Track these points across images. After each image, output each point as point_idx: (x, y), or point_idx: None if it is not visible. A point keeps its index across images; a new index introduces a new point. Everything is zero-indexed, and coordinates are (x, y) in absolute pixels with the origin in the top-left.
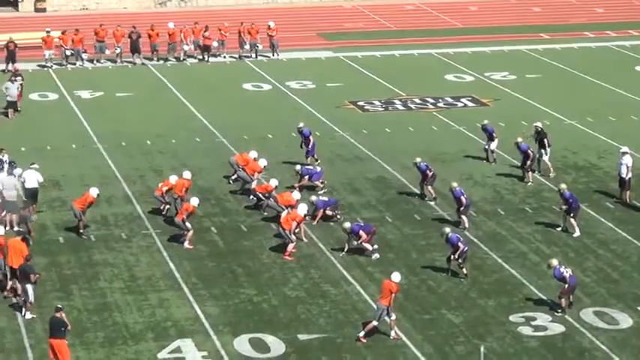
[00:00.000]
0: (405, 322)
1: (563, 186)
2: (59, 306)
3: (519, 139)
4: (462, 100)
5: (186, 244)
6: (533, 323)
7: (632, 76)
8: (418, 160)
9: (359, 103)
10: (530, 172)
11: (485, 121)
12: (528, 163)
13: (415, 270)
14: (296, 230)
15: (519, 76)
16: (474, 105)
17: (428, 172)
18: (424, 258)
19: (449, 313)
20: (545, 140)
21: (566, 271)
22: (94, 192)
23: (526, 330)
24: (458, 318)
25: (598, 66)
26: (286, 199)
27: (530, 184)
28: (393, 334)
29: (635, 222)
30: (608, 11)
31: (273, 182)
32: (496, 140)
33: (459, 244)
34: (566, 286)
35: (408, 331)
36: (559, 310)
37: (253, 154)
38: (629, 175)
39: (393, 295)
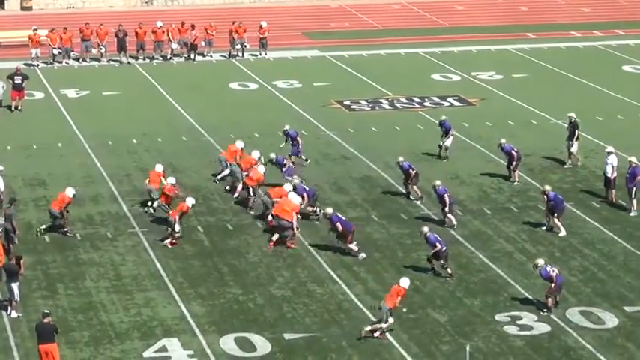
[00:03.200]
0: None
1: (547, 187)
2: (46, 311)
3: (502, 141)
4: (448, 99)
5: (166, 242)
6: (518, 322)
7: (619, 75)
8: (401, 159)
9: (345, 103)
10: (516, 172)
11: (444, 117)
12: (514, 163)
13: (400, 269)
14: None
15: (506, 75)
16: (460, 104)
17: (411, 171)
18: (410, 257)
19: (434, 312)
20: (577, 132)
21: (553, 270)
22: (69, 192)
23: (512, 329)
24: (444, 317)
25: (585, 65)
26: (277, 191)
27: (516, 183)
28: (378, 333)
29: (620, 221)
30: (594, 11)
31: (255, 154)
32: (451, 138)
33: (437, 244)
34: (553, 285)
35: (394, 330)
36: (544, 310)
37: (240, 144)
38: (615, 174)
39: (399, 298)
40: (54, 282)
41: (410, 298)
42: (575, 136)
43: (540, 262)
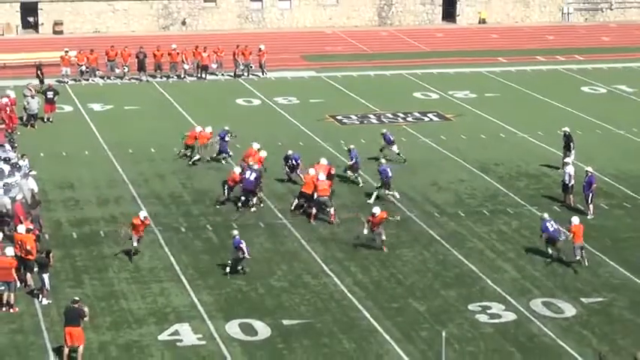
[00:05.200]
0: (376, 310)
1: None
2: (76, 298)
3: (383, 161)
4: (428, 115)
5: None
6: (488, 312)
7: (578, 95)
8: (383, 161)
9: (338, 117)
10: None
11: (384, 130)
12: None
13: (386, 264)
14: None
15: (479, 94)
16: (439, 120)
17: (384, 178)
18: (394, 254)
19: (415, 302)
20: (571, 144)
21: (552, 226)
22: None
23: (482, 318)
24: (422, 307)
25: (548, 86)
26: (310, 177)
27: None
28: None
29: None
30: (557, 39)
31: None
32: (395, 145)
33: (549, 231)
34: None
35: (378, 318)
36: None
37: (256, 145)
38: (572, 182)
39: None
40: (80, 273)
41: (393, 290)
42: (571, 147)
43: (545, 216)
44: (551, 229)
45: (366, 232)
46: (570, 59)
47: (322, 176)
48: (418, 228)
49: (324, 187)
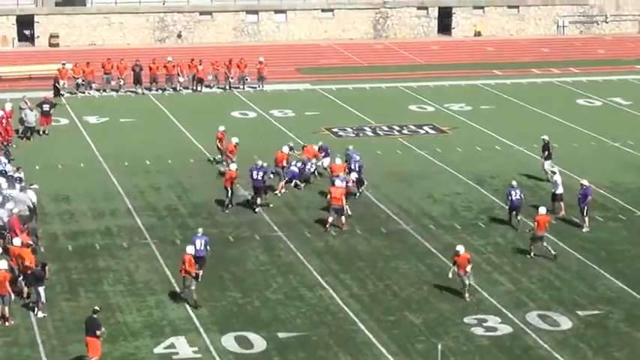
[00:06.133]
0: (371, 322)
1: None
2: (96, 308)
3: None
4: (423, 127)
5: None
6: (484, 324)
7: (574, 108)
8: (350, 147)
9: (333, 130)
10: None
11: (350, 147)
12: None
13: (381, 277)
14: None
15: (474, 107)
16: (434, 132)
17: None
18: (389, 266)
19: (410, 315)
20: (547, 152)
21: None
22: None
23: (478, 330)
24: (418, 319)
25: (543, 99)
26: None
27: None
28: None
29: (574, 236)
30: (552, 51)
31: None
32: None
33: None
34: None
35: (374, 330)
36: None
37: (285, 149)
38: (560, 190)
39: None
40: (75, 286)
41: (389, 303)
42: (548, 154)
43: (513, 183)
44: (514, 197)
45: (450, 275)
46: (565, 72)
47: (338, 182)
48: (414, 240)
49: (336, 196)
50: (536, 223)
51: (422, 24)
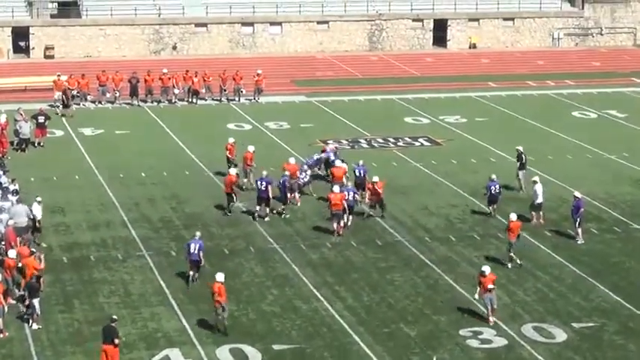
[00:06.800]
0: (367, 335)
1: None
2: (114, 317)
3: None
4: (419, 140)
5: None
6: (480, 337)
7: (569, 120)
8: (361, 162)
9: (328, 142)
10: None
11: (361, 162)
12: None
13: (377, 289)
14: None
15: (469, 119)
16: (429, 144)
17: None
18: (384, 278)
19: (406, 327)
20: (520, 163)
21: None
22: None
23: (474, 343)
24: (414, 331)
25: (538, 111)
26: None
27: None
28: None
29: (568, 248)
30: (547, 63)
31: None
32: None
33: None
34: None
35: (369, 342)
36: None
37: (292, 160)
38: (540, 200)
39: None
40: (70, 298)
41: (384, 315)
42: (519, 165)
43: (493, 176)
44: (493, 191)
45: (477, 297)
46: (561, 84)
47: (336, 189)
48: (409, 252)
49: (336, 202)
50: (509, 230)
51: (417, 36)
